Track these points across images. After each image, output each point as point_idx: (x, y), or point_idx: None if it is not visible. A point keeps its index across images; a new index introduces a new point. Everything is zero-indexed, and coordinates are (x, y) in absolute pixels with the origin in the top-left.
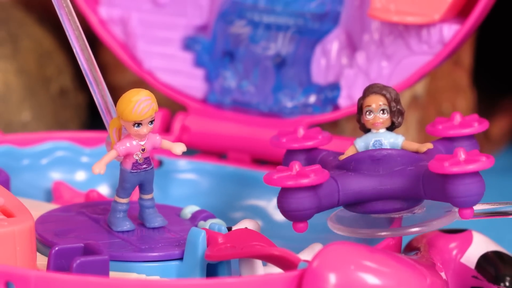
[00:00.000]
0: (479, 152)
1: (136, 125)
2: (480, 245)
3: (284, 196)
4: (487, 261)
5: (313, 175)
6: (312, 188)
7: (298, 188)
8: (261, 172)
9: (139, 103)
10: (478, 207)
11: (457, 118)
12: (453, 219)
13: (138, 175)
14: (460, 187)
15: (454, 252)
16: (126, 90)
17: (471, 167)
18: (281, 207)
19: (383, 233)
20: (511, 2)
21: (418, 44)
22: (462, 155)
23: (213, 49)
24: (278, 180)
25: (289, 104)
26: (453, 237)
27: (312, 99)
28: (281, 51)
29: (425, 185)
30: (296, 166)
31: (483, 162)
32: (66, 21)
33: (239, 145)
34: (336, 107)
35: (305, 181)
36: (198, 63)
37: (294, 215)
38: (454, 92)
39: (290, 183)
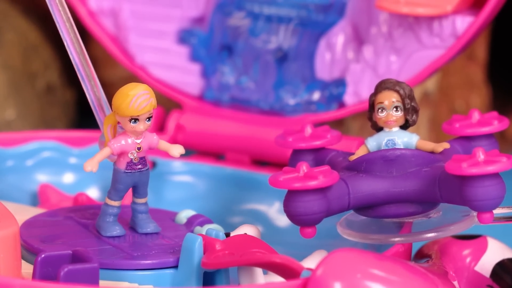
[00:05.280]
0: (499, 152)
1: (133, 121)
2: (495, 252)
3: (291, 199)
4: (503, 269)
5: (322, 177)
6: (321, 190)
7: (306, 190)
8: (261, 174)
9: (137, 97)
10: (496, 211)
11: (475, 115)
12: (471, 223)
13: (132, 176)
14: (479, 189)
15: (468, 260)
16: (117, 87)
17: (490, 168)
18: (288, 211)
19: (396, 239)
20: None
21: (429, 37)
22: (481, 156)
23: (210, 43)
24: (285, 182)
25: (291, 101)
26: (466, 243)
27: (316, 96)
28: (282, 44)
29: (442, 188)
30: (303, 167)
31: (503, 163)
32: (56, 11)
33: (238, 145)
34: (341, 105)
35: (313, 183)
36: (194, 57)
37: (302, 220)
38: (468, 89)
39: (297, 185)
